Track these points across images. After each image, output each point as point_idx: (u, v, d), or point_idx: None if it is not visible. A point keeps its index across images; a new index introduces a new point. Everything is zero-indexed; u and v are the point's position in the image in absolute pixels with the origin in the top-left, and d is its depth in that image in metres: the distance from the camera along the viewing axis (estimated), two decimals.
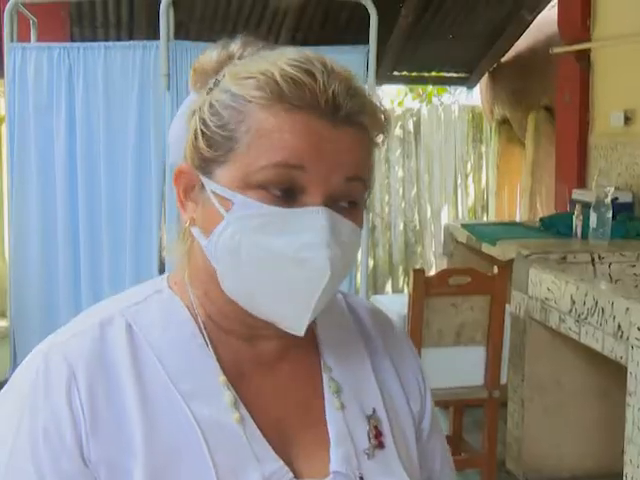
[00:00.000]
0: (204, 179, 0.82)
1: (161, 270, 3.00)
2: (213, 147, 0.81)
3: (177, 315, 0.87)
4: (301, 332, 0.82)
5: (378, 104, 0.83)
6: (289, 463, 0.84)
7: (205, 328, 0.86)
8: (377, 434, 0.90)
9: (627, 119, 4.07)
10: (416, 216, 7.20)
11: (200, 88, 0.86)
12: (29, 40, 3.26)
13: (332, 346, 0.93)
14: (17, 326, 2.91)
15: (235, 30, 5.89)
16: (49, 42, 2.94)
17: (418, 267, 6.60)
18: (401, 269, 7.15)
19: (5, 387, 0.85)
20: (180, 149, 0.87)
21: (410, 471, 0.91)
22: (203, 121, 0.81)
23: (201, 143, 0.81)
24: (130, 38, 5.57)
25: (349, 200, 0.81)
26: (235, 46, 0.86)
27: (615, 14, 4.23)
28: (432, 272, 5.03)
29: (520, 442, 3.39)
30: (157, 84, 2.74)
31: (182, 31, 5.31)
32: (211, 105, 0.81)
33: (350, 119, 0.79)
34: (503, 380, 3.25)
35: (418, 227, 7.22)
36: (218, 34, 5.00)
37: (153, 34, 2.84)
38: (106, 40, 5.54)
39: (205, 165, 0.82)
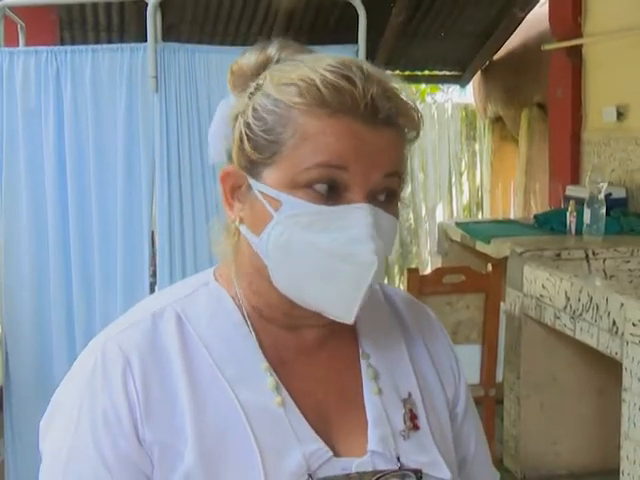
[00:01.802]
0: (251, 180, 0.87)
1: (153, 275, 2.98)
2: (259, 150, 0.85)
3: (223, 306, 0.93)
4: (351, 320, 0.87)
5: (412, 104, 0.87)
6: (329, 443, 0.89)
7: (249, 318, 0.92)
8: (412, 417, 0.94)
9: (619, 114, 4.07)
10: (411, 215, 7.20)
11: (240, 91, 0.90)
12: (17, 44, 3.24)
13: (370, 334, 0.98)
14: (9, 331, 2.89)
15: (226, 32, 5.88)
16: (37, 46, 2.92)
17: (413, 266, 6.60)
18: (396, 268, 7.14)
19: (66, 377, 0.93)
20: (219, 150, 0.93)
21: (444, 451, 0.95)
22: (247, 125, 0.86)
23: (247, 146, 0.86)
24: (121, 41, 5.56)
25: (387, 192, 0.86)
26: (272, 49, 0.90)
27: (606, 10, 4.23)
28: (427, 271, 5.02)
29: (517, 439, 3.39)
30: (145, 86, 2.73)
31: (173, 33, 5.30)
32: (254, 109, 0.86)
33: (388, 121, 0.84)
34: (499, 378, 3.25)
35: (413, 226, 7.21)
36: (209, 36, 4.98)
37: (143, 36, 2.82)
38: (97, 43, 5.52)
39: (252, 167, 0.87)
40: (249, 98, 0.87)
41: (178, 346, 0.89)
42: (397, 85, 0.87)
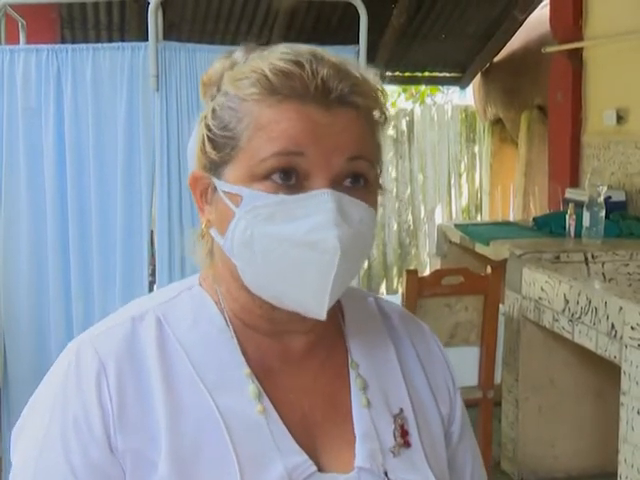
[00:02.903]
0: (215, 180, 0.85)
1: (152, 274, 2.99)
2: (218, 149, 0.84)
3: (206, 310, 0.90)
4: (322, 316, 0.83)
5: (371, 83, 0.84)
6: (314, 457, 0.86)
7: (232, 325, 0.89)
8: (403, 433, 0.91)
9: (619, 118, 4.06)
10: (410, 216, 7.20)
11: (204, 96, 0.90)
12: (18, 42, 3.24)
13: (360, 343, 0.95)
14: (7, 332, 2.89)
15: (227, 31, 5.88)
16: (38, 44, 2.92)
17: (412, 268, 6.60)
18: (395, 270, 7.15)
19: (43, 381, 0.89)
20: (194, 158, 0.91)
21: (436, 469, 0.92)
22: (207, 127, 0.85)
23: (208, 147, 0.85)
24: (122, 39, 5.56)
25: (353, 176, 0.83)
26: (238, 54, 0.88)
27: (607, 13, 4.23)
28: (426, 272, 5.02)
29: (515, 442, 3.38)
30: (146, 85, 2.73)
31: (174, 32, 5.30)
32: (213, 110, 0.85)
33: (342, 100, 0.81)
34: (497, 380, 3.24)
35: (412, 227, 7.21)
36: (210, 35, 4.98)
37: (144, 35, 2.82)
38: (98, 42, 5.52)
39: (214, 167, 0.85)
40: (211, 101, 0.87)
41: (156, 351, 0.86)
42: (355, 66, 0.84)
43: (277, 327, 0.89)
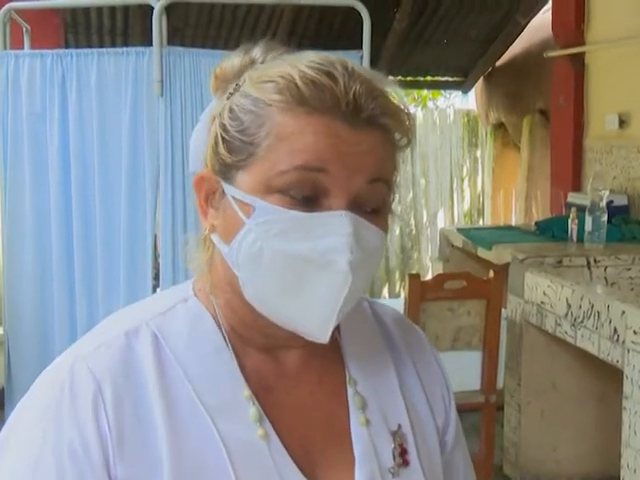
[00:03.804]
0: (225, 185, 0.81)
1: (156, 278, 2.99)
2: (233, 152, 0.79)
3: (203, 326, 0.85)
4: (325, 339, 0.80)
5: (402, 106, 0.81)
6: None
7: (230, 339, 0.85)
8: (402, 452, 0.88)
9: (622, 122, 4.07)
10: (412, 221, 7.20)
11: (221, 94, 0.85)
12: (22, 48, 3.26)
13: (357, 358, 0.91)
14: (11, 332, 2.90)
15: (230, 36, 5.90)
16: (42, 49, 2.93)
17: (415, 272, 6.60)
18: (397, 274, 7.15)
19: (26, 397, 0.83)
20: (200, 157, 0.86)
21: None
22: (223, 126, 0.80)
23: (221, 148, 0.80)
24: (125, 44, 5.56)
25: (373, 206, 0.80)
26: (257, 51, 0.85)
27: (609, 17, 4.24)
28: (429, 277, 5.03)
29: (517, 446, 3.38)
30: (150, 90, 2.74)
31: (177, 37, 5.31)
32: (231, 110, 0.80)
33: (372, 121, 0.78)
34: (500, 384, 3.24)
35: (414, 232, 7.22)
36: (213, 40, 4.99)
37: (148, 40, 2.83)
38: (101, 47, 5.54)
39: (226, 170, 0.80)
40: (227, 99, 0.82)
41: (154, 371, 0.81)
42: (387, 86, 0.80)
43: (271, 342, 0.86)
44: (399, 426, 0.90)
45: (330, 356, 0.90)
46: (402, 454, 0.88)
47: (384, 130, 0.79)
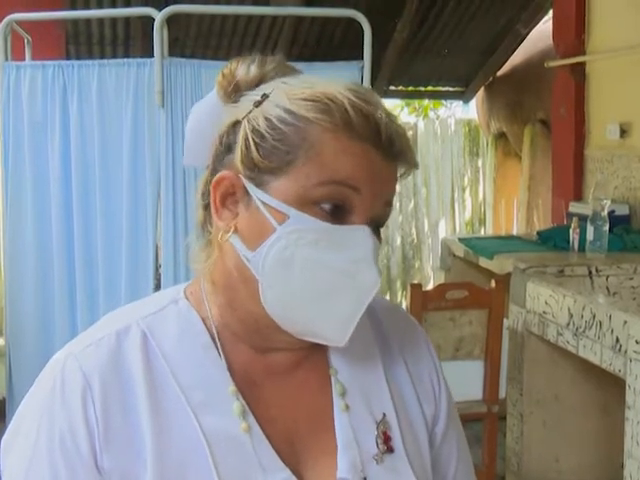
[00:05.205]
0: (255, 189, 0.84)
1: (157, 284, 2.99)
2: (269, 159, 0.83)
3: (192, 326, 0.89)
4: (343, 343, 0.86)
5: (410, 142, 0.90)
6: (296, 471, 0.86)
7: (219, 339, 0.89)
8: (386, 439, 0.91)
9: (623, 132, 4.07)
10: (413, 230, 7.20)
11: (227, 96, 0.89)
12: (24, 59, 3.27)
13: (341, 348, 0.93)
14: (13, 343, 2.90)
15: (231, 46, 5.91)
16: (44, 60, 2.94)
17: (416, 281, 6.60)
18: (399, 283, 7.14)
19: (29, 392, 0.90)
20: (199, 153, 0.91)
21: (420, 474, 0.92)
22: (259, 133, 0.84)
23: (254, 153, 0.84)
24: (126, 55, 5.59)
25: (380, 225, 0.88)
26: (270, 67, 0.90)
27: (609, 27, 4.25)
28: (430, 286, 5.02)
29: (519, 456, 3.37)
30: (151, 101, 2.74)
31: (178, 47, 5.33)
32: (267, 119, 0.84)
33: (399, 156, 0.86)
34: (502, 394, 3.24)
35: (416, 241, 7.21)
36: (214, 50, 5.00)
37: (149, 51, 2.84)
38: (102, 57, 5.55)
39: (256, 175, 0.84)
40: (255, 106, 0.85)
41: (142, 368, 0.86)
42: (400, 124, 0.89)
43: (266, 343, 0.90)
44: (384, 415, 0.92)
45: (319, 352, 0.94)
46: (386, 441, 0.91)
47: (402, 163, 0.88)
